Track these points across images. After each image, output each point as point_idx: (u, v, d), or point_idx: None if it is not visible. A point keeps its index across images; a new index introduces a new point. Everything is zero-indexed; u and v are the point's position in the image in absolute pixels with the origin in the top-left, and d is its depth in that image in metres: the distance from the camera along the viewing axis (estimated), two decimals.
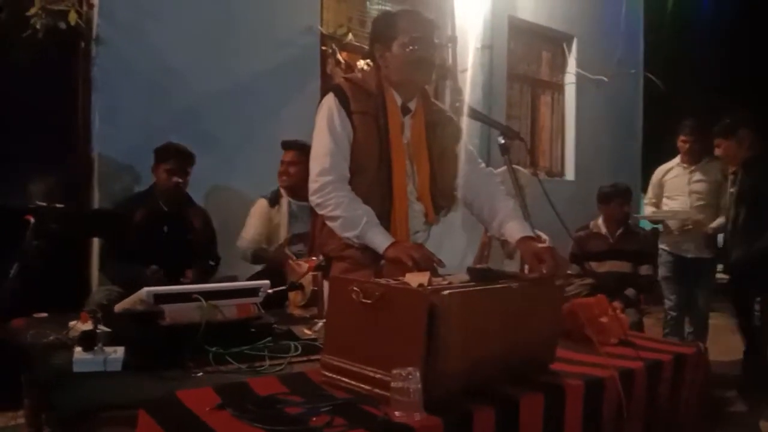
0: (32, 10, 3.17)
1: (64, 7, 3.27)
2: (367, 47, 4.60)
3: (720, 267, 4.36)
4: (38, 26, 3.18)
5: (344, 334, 1.35)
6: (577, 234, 4.11)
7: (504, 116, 5.63)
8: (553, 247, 1.67)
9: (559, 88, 6.51)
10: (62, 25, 3.27)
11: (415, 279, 1.32)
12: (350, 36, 4.60)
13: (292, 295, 2.91)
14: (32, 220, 1.54)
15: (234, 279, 3.32)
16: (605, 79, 6.39)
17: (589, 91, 6.39)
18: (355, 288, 1.29)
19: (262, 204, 3.52)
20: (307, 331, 2.38)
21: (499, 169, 2.25)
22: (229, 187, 3.83)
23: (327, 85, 4.42)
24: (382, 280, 1.38)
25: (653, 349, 1.85)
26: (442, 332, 1.18)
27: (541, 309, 1.47)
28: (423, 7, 5.01)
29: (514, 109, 6.05)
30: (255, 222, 3.49)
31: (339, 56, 4.53)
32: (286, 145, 3.50)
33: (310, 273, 2.93)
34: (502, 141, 1.77)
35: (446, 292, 1.21)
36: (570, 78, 6.44)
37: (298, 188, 3.35)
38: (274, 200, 3.52)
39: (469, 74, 5.19)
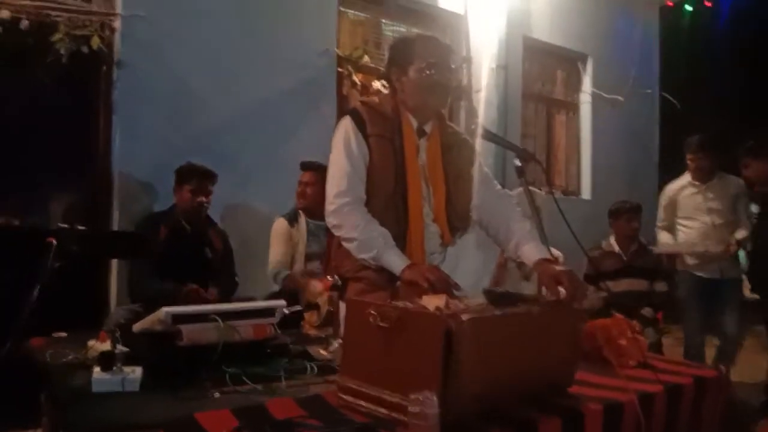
0: (56, 36, 3.26)
1: (87, 32, 3.36)
2: (382, 69, 4.72)
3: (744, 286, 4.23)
4: (62, 51, 3.26)
5: (361, 357, 1.34)
6: (591, 254, 4.06)
7: (519, 135, 5.64)
8: (571, 270, 1.66)
9: (574, 107, 6.51)
10: (85, 50, 3.35)
11: (431, 302, 1.32)
12: (366, 58, 4.65)
13: (307, 315, 2.92)
14: (54, 242, 1.57)
15: (252, 299, 3.33)
16: (620, 98, 6.38)
17: (604, 111, 6.38)
18: (372, 311, 1.30)
19: (282, 224, 3.54)
20: (322, 352, 2.38)
21: (515, 191, 2.25)
22: (246, 206, 3.87)
23: (344, 108, 4.51)
24: (399, 304, 1.37)
25: (673, 372, 1.82)
26: (459, 357, 1.18)
27: (560, 333, 1.46)
28: (438, 28, 5.08)
29: (529, 129, 6.06)
30: (278, 243, 3.51)
31: (355, 78, 4.59)
32: (304, 166, 3.55)
33: (326, 293, 2.95)
34: (518, 163, 1.78)
35: (465, 317, 1.21)
36: (585, 97, 6.44)
37: (315, 208, 3.38)
38: (292, 219, 3.55)
39: (483, 94, 5.22)
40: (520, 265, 2.15)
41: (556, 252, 2.35)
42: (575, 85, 6.50)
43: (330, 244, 3.49)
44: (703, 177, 4.01)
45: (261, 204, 3.86)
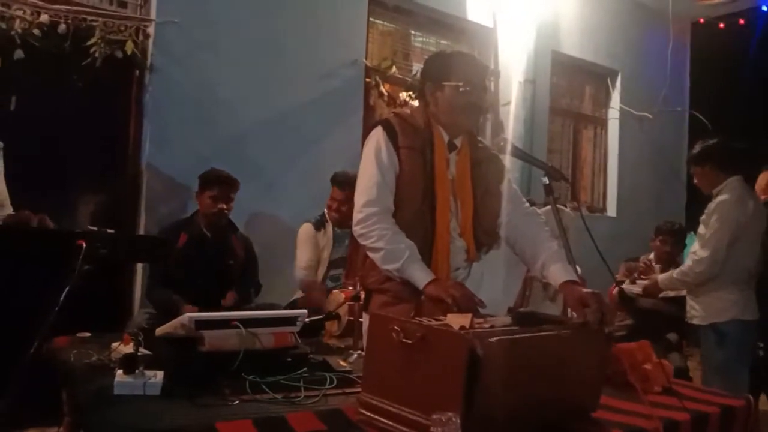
0: (92, 40, 3.32)
1: (122, 37, 3.42)
2: (410, 80, 4.72)
3: None
4: (97, 55, 3.33)
5: (383, 372, 1.33)
6: (627, 263, 3.98)
7: (545, 150, 5.60)
8: (599, 292, 1.63)
9: (601, 123, 6.45)
10: (119, 54, 3.42)
11: (456, 320, 1.30)
12: (394, 69, 4.66)
13: (328, 324, 2.92)
14: (84, 244, 1.59)
15: (274, 306, 3.34)
16: (650, 116, 6.31)
17: (632, 128, 6.31)
18: (395, 327, 1.28)
19: (308, 228, 3.55)
20: (342, 363, 2.38)
21: (543, 209, 2.23)
22: (270, 214, 3.89)
23: (370, 118, 4.53)
24: (423, 320, 1.36)
25: (699, 400, 1.78)
26: (483, 378, 1.16)
27: (586, 356, 1.44)
28: (466, 40, 5.08)
29: (555, 144, 6.01)
30: (305, 248, 3.52)
31: (382, 88, 4.60)
32: (338, 183, 3.52)
33: (347, 303, 2.95)
34: (547, 181, 1.76)
35: (492, 339, 1.19)
36: (613, 113, 6.38)
37: (344, 221, 3.42)
38: (319, 225, 3.54)
39: (511, 108, 5.20)
40: (546, 285, 2.12)
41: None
42: (603, 101, 6.45)
43: (354, 253, 3.52)
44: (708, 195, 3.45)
45: (285, 212, 3.88)
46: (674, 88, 6.62)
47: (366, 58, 4.49)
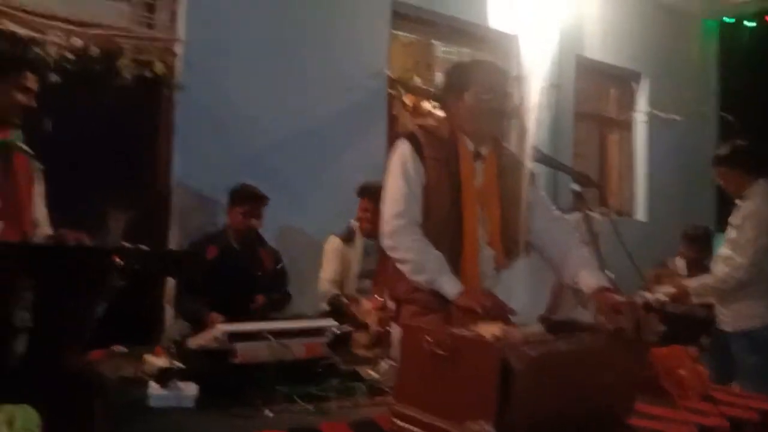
0: (123, 61, 3.41)
1: (151, 57, 3.51)
2: (433, 90, 4.74)
3: None
4: (128, 75, 3.42)
5: (415, 382, 1.34)
6: (655, 269, 3.91)
7: (571, 155, 5.56)
8: (632, 299, 1.62)
9: (627, 126, 6.38)
10: (148, 74, 3.51)
11: (488, 330, 1.30)
12: (416, 79, 4.68)
13: (356, 334, 2.94)
14: (119, 261, 1.63)
15: (302, 317, 3.37)
16: (677, 118, 6.21)
17: (659, 130, 6.23)
18: (427, 337, 1.29)
19: (335, 241, 3.56)
20: (372, 373, 2.39)
21: (572, 215, 2.21)
22: (295, 227, 3.93)
23: (394, 130, 4.55)
24: (456, 331, 1.36)
25: (737, 405, 1.74)
26: (516, 387, 1.15)
27: (621, 364, 1.42)
28: (488, 48, 5.08)
29: (581, 148, 5.96)
30: (331, 261, 3.54)
31: (405, 99, 4.62)
32: (364, 192, 3.52)
33: (375, 313, 2.96)
34: (577, 188, 1.75)
35: (523, 347, 1.19)
36: (640, 116, 6.31)
37: (376, 230, 3.41)
38: (347, 238, 3.56)
39: (535, 113, 5.18)
40: (577, 292, 2.10)
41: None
42: (629, 104, 6.38)
43: (383, 265, 3.53)
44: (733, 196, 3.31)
45: (309, 225, 3.91)
46: (702, 89, 6.51)
47: (388, 70, 4.52)
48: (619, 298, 1.66)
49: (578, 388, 1.32)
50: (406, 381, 1.40)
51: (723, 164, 3.16)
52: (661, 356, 1.79)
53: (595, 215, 2.91)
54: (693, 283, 3.21)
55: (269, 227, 3.51)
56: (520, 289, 1.95)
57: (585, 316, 2.77)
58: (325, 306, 3.49)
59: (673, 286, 3.18)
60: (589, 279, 1.84)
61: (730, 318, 3.07)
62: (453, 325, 1.59)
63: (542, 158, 1.97)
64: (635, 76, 6.28)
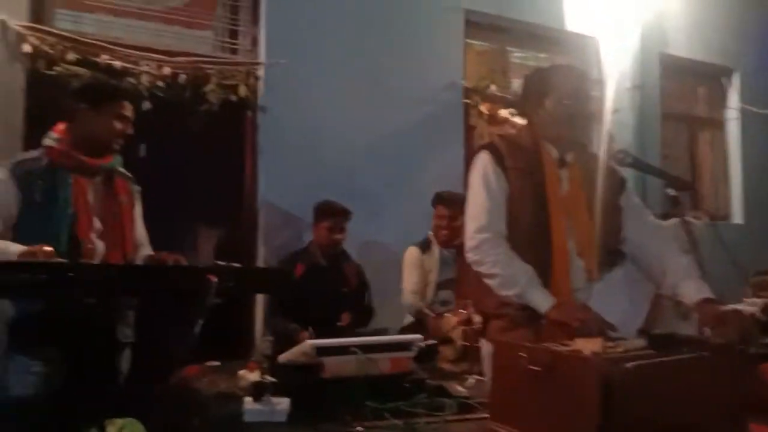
0: (209, 87, 3.58)
1: (235, 81, 3.67)
2: (509, 97, 4.66)
3: None
4: (214, 100, 3.58)
5: (511, 400, 1.30)
6: (756, 278, 3.65)
7: (659, 157, 5.31)
8: (739, 309, 1.51)
9: (719, 125, 6.03)
10: (233, 98, 3.66)
11: (586, 345, 1.24)
12: (492, 87, 4.63)
13: (442, 349, 2.91)
14: (215, 279, 1.69)
15: (385, 332, 3.38)
16: None
17: (755, 127, 5.84)
18: (522, 353, 1.25)
19: (413, 252, 3.59)
20: (459, 388, 2.35)
21: (669, 221, 2.10)
22: (376, 240, 3.96)
23: (471, 139, 4.51)
24: (552, 346, 1.31)
25: None
26: (620, 407, 1.10)
27: (729, 380, 1.32)
28: (566, 52, 4.95)
29: (669, 150, 5.68)
30: (411, 271, 3.55)
31: (481, 108, 4.57)
32: (440, 200, 3.57)
33: (460, 327, 2.93)
34: (673, 193, 1.66)
35: (626, 364, 1.13)
36: (732, 114, 5.94)
37: (453, 238, 3.47)
38: (424, 247, 3.58)
39: (619, 116, 4.99)
40: (678, 303, 1.99)
41: None
42: (720, 102, 6.03)
43: (462, 275, 3.51)
44: None
45: (390, 237, 3.93)
46: None
47: (464, 79, 4.50)
48: (724, 309, 1.56)
49: (683, 406, 1.24)
50: (500, 398, 1.36)
51: None
52: None
53: (694, 221, 2.76)
54: None
55: (352, 242, 3.55)
56: (616, 302, 1.86)
57: (686, 328, 2.62)
58: (410, 318, 3.49)
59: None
60: (690, 289, 1.74)
61: None
62: (544, 340, 1.54)
63: (633, 162, 1.87)
64: (725, 72, 5.93)
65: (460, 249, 3.55)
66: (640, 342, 1.37)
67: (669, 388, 1.22)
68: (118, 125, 2.18)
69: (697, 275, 1.74)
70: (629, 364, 1.13)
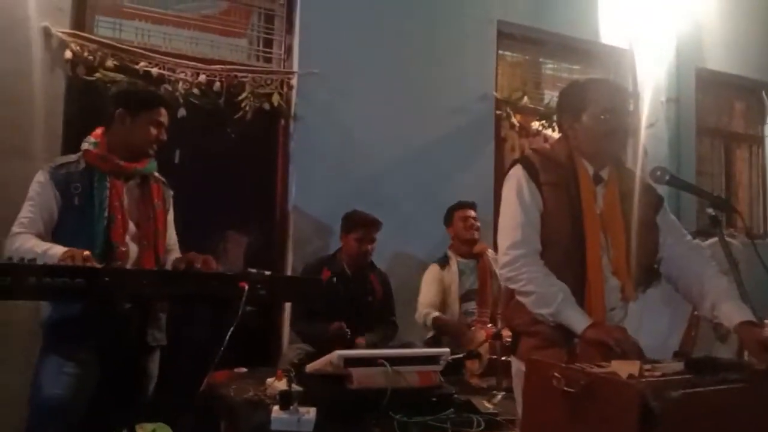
0: (243, 95, 3.62)
1: (269, 90, 3.70)
2: (542, 109, 4.62)
3: None
4: (247, 108, 3.62)
5: (544, 422, 1.27)
6: None
7: (694, 173, 5.20)
8: None
9: (757, 140, 5.89)
10: (266, 106, 3.69)
11: (623, 368, 1.21)
12: (525, 99, 4.59)
13: (469, 363, 2.89)
14: (246, 286, 1.70)
15: (411, 345, 3.36)
16: None
17: None
18: (556, 374, 1.22)
19: (434, 269, 3.63)
20: (487, 404, 2.33)
21: (708, 241, 2.05)
22: (405, 251, 3.95)
23: (508, 152, 4.48)
24: (587, 367, 1.28)
25: None
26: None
27: None
28: (600, 64, 4.89)
29: (705, 166, 5.57)
30: (429, 286, 3.58)
31: (513, 119, 4.54)
32: (469, 204, 3.71)
33: (488, 342, 2.90)
34: (713, 212, 1.62)
35: (670, 392, 1.09)
36: None
37: (466, 246, 3.62)
38: (443, 263, 3.63)
39: (653, 131, 4.91)
40: (717, 326, 1.92)
41: None
42: (758, 117, 5.89)
43: (484, 284, 3.50)
44: None
45: (419, 249, 3.92)
46: None
47: (496, 91, 4.47)
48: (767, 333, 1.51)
49: None
50: (532, 419, 1.33)
51: None
52: None
53: (733, 241, 2.70)
54: None
55: (379, 252, 3.55)
56: (651, 322, 1.81)
57: (724, 351, 2.55)
58: (428, 331, 3.48)
59: None
60: (730, 312, 1.68)
61: None
62: (579, 361, 1.50)
63: (671, 180, 1.83)
64: (764, 86, 5.80)
65: (479, 259, 3.60)
66: (678, 365, 1.33)
67: (709, 415, 1.18)
68: (154, 131, 2.22)
69: (737, 296, 1.68)
70: (675, 393, 1.09)
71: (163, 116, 2.25)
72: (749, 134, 5.89)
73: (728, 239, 1.70)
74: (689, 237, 1.92)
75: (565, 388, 1.20)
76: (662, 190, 2.00)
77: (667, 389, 1.12)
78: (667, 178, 1.77)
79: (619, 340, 1.55)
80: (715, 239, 1.73)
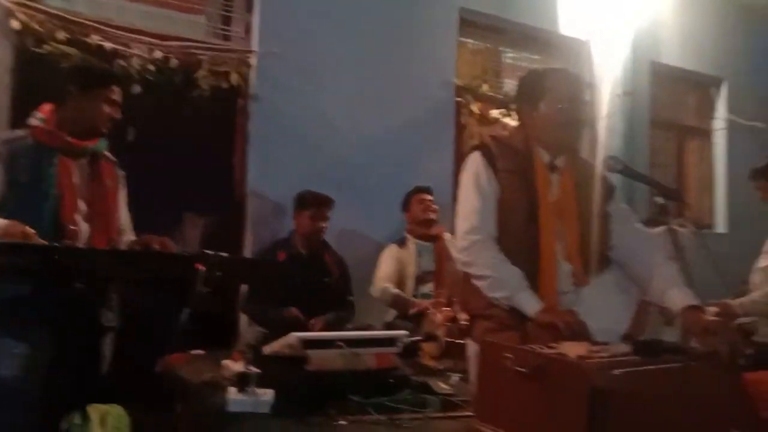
0: (200, 73, 3.54)
1: (227, 68, 3.63)
2: (501, 97, 4.66)
3: None
4: (205, 86, 3.54)
5: (496, 401, 1.31)
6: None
7: (647, 165, 5.37)
8: (725, 320, 1.54)
9: (707, 134, 6.10)
10: (224, 85, 3.62)
11: (572, 349, 1.25)
12: (485, 87, 4.63)
13: (426, 345, 2.92)
14: (203, 268, 1.68)
15: (370, 327, 3.39)
16: (760, 125, 5.89)
17: (742, 138, 5.92)
18: (508, 354, 1.26)
19: (392, 247, 3.70)
20: (443, 385, 2.36)
21: (657, 229, 2.12)
22: (364, 234, 3.96)
23: (466, 138, 4.52)
24: (538, 348, 1.32)
25: None
26: (604, 412, 1.11)
27: (715, 390, 1.34)
28: (559, 55, 4.98)
29: (658, 158, 5.74)
30: (387, 263, 3.65)
31: (473, 107, 4.58)
32: (426, 189, 3.77)
33: (445, 325, 2.94)
34: (661, 201, 1.68)
35: (615, 371, 1.14)
36: (719, 124, 6.02)
37: (423, 228, 3.69)
38: (402, 243, 3.70)
39: (609, 122, 5.03)
40: (663, 310, 2.01)
41: None
42: (708, 112, 6.10)
43: (440, 266, 3.57)
44: None
45: (379, 232, 3.94)
46: None
47: (456, 78, 4.50)
48: (712, 317, 1.58)
49: (670, 415, 1.25)
50: (485, 399, 1.37)
51: (760, 178, 3.35)
52: (754, 381, 1.68)
53: (681, 229, 2.80)
54: (740, 300, 3.08)
55: (340, 234, 3.56)
56: (601, 306, 1.89)
57: (670, 335, 2.66)
58: (385, 303, 3.53)
59: (718, 306, 3.01)
60: (677, 297, 1.76)
61: None
62: (531, 343, 1.55)
63: (624, 170, 1.89)
64: (715, 82, 6.00)
65: (436, 241, 3.66)
66: (625, 348, 1.38)
67: (654, 395, 1.23)
68: (106, 109, 2.16)
69: (683, 283, 1.76)
70: (617, 371, 1.14)
71: (117, 94, 2.19)
72: (701, 128, 6.09)
73: (676, 228, 1.77)
74: (639, 225, 1.99)
75: (517, 369, 1.24)
76: (616, 179, 2.06)
77: (614, 369, 1.17)
78: (619, 167, 1.82)
79: (569, 322, 1.61)
80: (663, 227, 1.80)
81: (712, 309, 3.03)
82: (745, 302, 3.02)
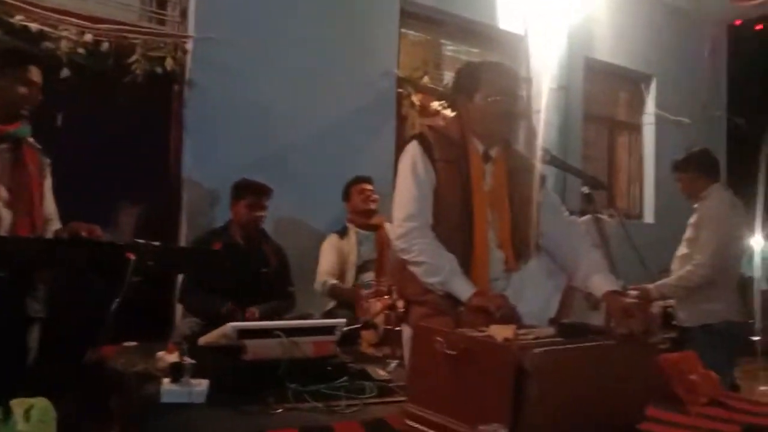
0: (133, 57, 3.42)
1: (162, 53, 3.52)
2: (441, 89, 4.72)
3: None
4: (138, 71, 3.43)
5: (428, 383, 1.34)
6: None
7: (580, 157, 5.56)
8: (642, 302, 1.63)
9: (637, 129, 6.37)
10: (159, 70, 3.51)
11: (500, 332, 1.30)
12: (425, 78, 4.68)
13: (365, 333, 2.95)
14: (133, 257, 1.64)
15: (309, 316, 3.38)
16: (686, 120, 6.20)
17: (669, 133, 6.21)
18: (439, 338, 1.29)
19: (333, 238, 3.69)
20: (381, 372, 2.39)
21: (583, 218, 2.22)
22: (305, 223, 3.95)
23: (403, 129, 4.55)
24: (467, 332, 1.37)
25: (750, 412, 1.73)
26: (529, 390, 1.16)
27: (632, 368, 1.42)
28: (497, 48, 5.08)
29: (590, 150, 5.96)
30: (327, 255, 3.64)
31: (414, 98, 4.62)
32: (366, 179, 3.77)
33: (383, 312, 2.97)
34: (587, 190, 1.76)
35: (537, 350, 1.19)
36: (649, 119, 6.29)
37: (363, 218, 3.68)
38: (342, 233, 3.69)
39: (543, 115, 5.17)
40: (588, 295, 2.11)
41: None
42: (638, 107, 6.37)
43: (381, 255, 3.60)
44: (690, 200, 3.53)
45: (320, 221, 3.94)
46: (712, 91, 6.50)
47: (397, 69, 4.52)
48: (629, 300, 1.67)
49: (590, 391, 1.32)
50: (417, 382, 1.40)
51: (680, 170, 3.45)
52: (671, 361, 1.78)
53: (605, 218, 2.94)
54: (656, 283, 3.27)
55: (280, 224, 3.53)
56: (532, 292, 1.97)
57: (595, 319, 2.79)
58: (325, 296, 3.54)
59: (637, 289, 3.21)
60: (599, 282, 1.85)
61: (693, 314, 3.20)
62: (464, 327, 1.59)
63: (552, 160, 1.96)
64: (645, 79, 6.27)
65: (377, 231, 3.68)
66: (550, 330, 1.45)
67: (577, 374, 1.30)
68: (22, 90, 2.06)
69: (607, 269, 1.85)
70: (537, 350, 1.19)
71: (35, 75, 2.09)
72: (630, 122, 6.36)
73: (601, 217, 1.85)
74: (567, 214, 2.08)
75: (447, 351, 1.28)
76: (550, 171, 2.13)
77: (538, 350, 1.22)
78: (548, 158, 1.90)
79: (499, 306, 1.67)
80: (589, 216, 1.88)
81: (633, 293, 3.24)
82: (660, 286, 3.21)
